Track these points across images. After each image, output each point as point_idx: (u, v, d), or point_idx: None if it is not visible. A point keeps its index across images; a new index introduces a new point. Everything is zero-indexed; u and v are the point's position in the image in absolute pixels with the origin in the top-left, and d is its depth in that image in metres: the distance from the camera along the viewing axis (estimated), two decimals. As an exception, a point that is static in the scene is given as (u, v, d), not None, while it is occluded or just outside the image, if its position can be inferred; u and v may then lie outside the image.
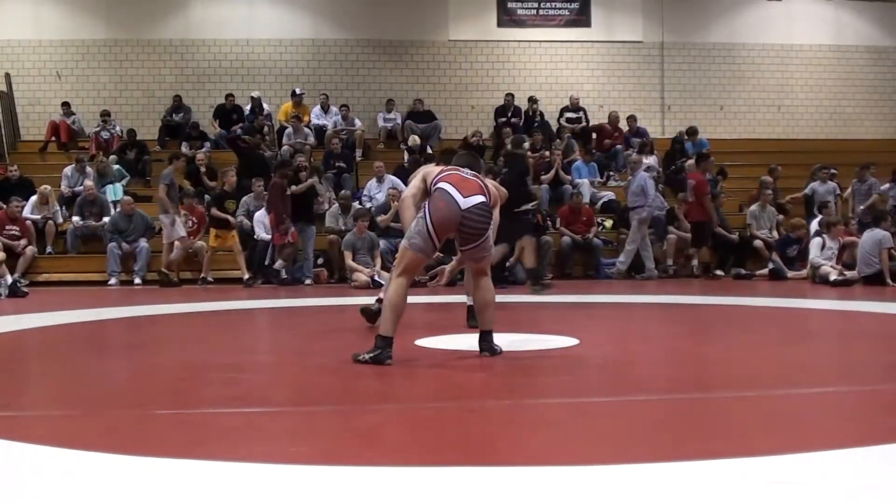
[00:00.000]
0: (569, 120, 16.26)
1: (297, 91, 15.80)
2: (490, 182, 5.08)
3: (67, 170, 13.92)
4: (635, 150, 15.04)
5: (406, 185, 6.37)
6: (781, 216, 13.47)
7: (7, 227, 12.18)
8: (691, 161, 14.28)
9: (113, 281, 12.16)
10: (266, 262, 12.02)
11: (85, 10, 16.44)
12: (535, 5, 17.13)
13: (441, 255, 6.25)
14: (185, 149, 15.01)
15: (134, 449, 2.91)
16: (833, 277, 11.06)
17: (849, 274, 11.13)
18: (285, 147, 14.80)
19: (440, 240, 4.79)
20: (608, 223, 13.76)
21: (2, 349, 5.89)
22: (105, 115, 15.52)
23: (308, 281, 11.91)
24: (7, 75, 16.00)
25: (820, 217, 12.51)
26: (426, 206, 4.80)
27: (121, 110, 16.25)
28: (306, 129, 15.26)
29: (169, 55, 16.56)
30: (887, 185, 13.60)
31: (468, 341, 5.21)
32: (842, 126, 17.80)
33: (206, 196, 13.31)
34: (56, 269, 12.49)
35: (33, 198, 12.97)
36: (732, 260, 12.77)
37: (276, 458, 2.77)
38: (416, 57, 17.00)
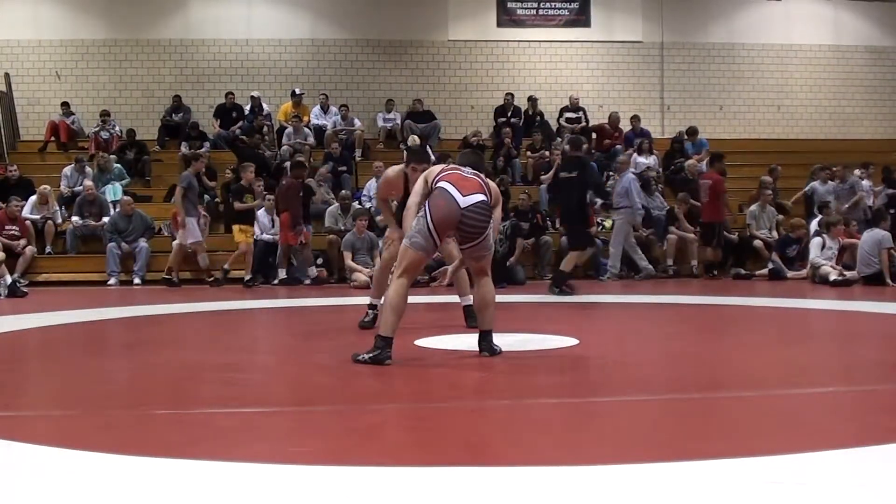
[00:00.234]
0: (568, 120, 16.25)
1: (297, 91, 15.81)
2: (491, 183, 5.09)
3: (67, 170, 13.92)
4: (634, 149, 15.04)
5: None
6: (781, 216, 13.47)
7: (6, 227, 12.18)
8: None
9: (112, 281, 12.16)
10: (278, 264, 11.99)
11: (84, 10, 16.43)
12: (535, 5, 17.13)
13: (440, 255, 6.26)
14: (184, 149, 15.02)
15: (133, 449, 2.91)
16: (833, 277, 11.06)
17: (848, 274, 11.13)
18: (285, 147, 14.81)
19: (441, 238, 4.83)
20: (608, 223, 13.75)
21: (1, 349, 5.89)
22: (104, 115, 15.51)
23: (307, 281, 11.91)
24: (6, 75, 16.00)
25: (820, 217, 12.51)
26: (426, 204, 4.83)
27: (120, 110, 16.25)
28: (306, 130, 15.26)
29: (168, 55, 16.56)
30: (881, 188, 13.64)
31: (468, 341, 5.21)
32: (841, 126, 17.80)
33: (205, 196, 13.31)
34: (55, 269, 12.49)
35: (33, 198, 12.97)
36: (732, 260, 12.77)
37: (275, 458, 2.77)
38: (416, 57, 16.99)
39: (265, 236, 12.14)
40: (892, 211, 12.71)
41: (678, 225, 12.94)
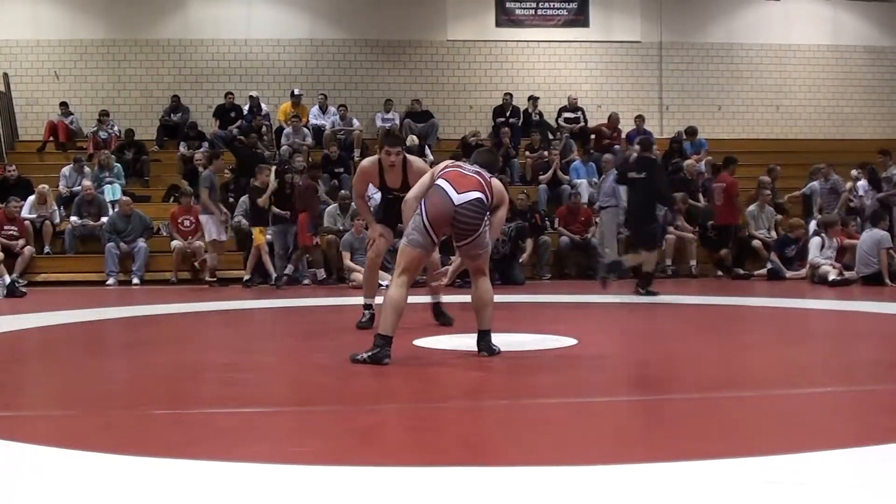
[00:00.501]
0: (567, 120, 16.26)
1: (296, 92, 15.80)
2: (497, 183, 5.08)
3: (65, 170, 13.92)
4: (633, 147, 15.02)
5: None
6: (780, 216, 13.47)
7: (5, 227, 12.18)
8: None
9: (111, 281, 12.16)
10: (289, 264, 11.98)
11: (83, 10, 16.42)
12: (533, 5, 17.13)
13: (440, 255, 6.27)
14: (182, 149, 15.02)
15: (132, 449, 2.91)
16: (832, 277, 11.07)
17: (847, 274, 11.14)
18: (284, 147, 14.81)
19: (437, 235, 4.86)
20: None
21: (0, 349, 5.89)
22: (103, 114, 15.52)
23: (306, 281, 11.91)
24: (5, 75, 15.99)
25: (818, 217, 12.52)
26: (423, 202, 4.85)
27: (119, 110, 16.24)
28: (304, 130, 15.26)
29: (167, 55, 16.55)
30: (862, 183, 13.56)
31: (467, 341, 5.21)
32: (840, 126, 17.81)
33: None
34: (54, 269, 12.49)
35: (31, 198, 12.97)
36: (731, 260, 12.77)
37: (275, 458, 2.77)
38: (415, 57, 16.99)
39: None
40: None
41: (676, 225, 12.93)
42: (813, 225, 12.48)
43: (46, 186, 13.14)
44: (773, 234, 12.99)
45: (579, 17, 17.17)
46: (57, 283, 12.16)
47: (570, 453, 2.88)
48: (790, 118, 17.74)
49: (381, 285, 6.93)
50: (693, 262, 12.70)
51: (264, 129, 15.28)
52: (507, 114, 16.09)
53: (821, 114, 17.81)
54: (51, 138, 15.73)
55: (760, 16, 17.57)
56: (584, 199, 13.59)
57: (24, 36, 16.23)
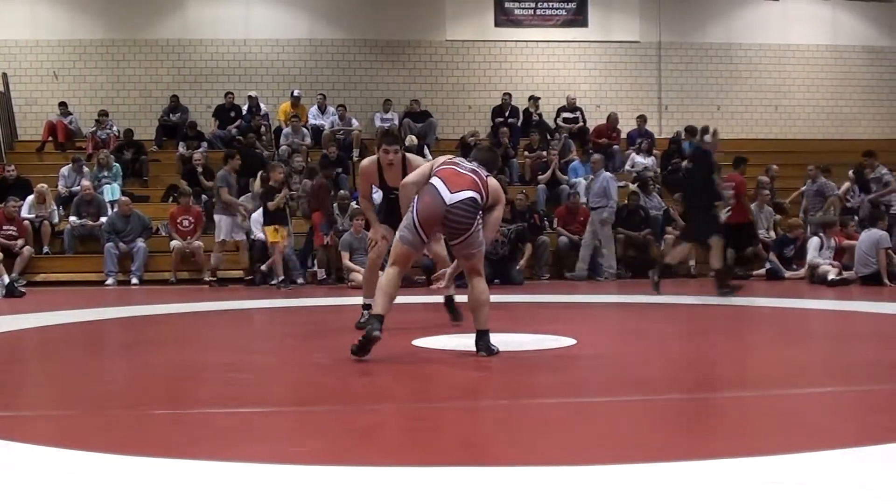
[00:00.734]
0: (566, 120, 16.27)
1: (296, 93, 15.80)
2: (494, 182, 5.07)
3: (64, 170, 13.92)
4: (635, 148, 15.04)
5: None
6: (779, 216, 13.47)
7: (4, 227, 12.18)
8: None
9: (110, 281, 12.16)
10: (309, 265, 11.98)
11: (82, 10, 16.42)
12: (532, 5, 17.13)
13: (431, 256, 6.25)
14: (181, 149, 15.02)
15: (132, 449, 2.91)
16: (831, 277, 11.07)
17: (846, 274, 11.14)
18: (283, 147, 14.81)
19: (427, 234, 4.87)
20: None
21: (0, 349, 5.89)
22: (102, 114, 15.52)
23: (300, 280, 11.90)
24: (4, 75, 15.99)
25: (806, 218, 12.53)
26: (415, 200, 4.84)
27: (118, 110, 16.25)
28: (303, 130, 15.26)
29: (166, 55, 16.56)
30: (846, 186, 13.54)
31: (465, 341, 5.21)
32: (839, 126, 17.83)
33: (203, 196, 13.31)
34: (53, 269, 12.49)
35: (30, 197, 12.97)
36: (733, 260, 12.76)
37: (275, 458, 2.76)
38: (414, 57, 17.00)
39: (262, 236, 12.10)
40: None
41: (675, 225, 12.93)
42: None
43: (45, 186, 13.14)
44: (772, 234, 12.99)
45: (578, 17, 17.18)
46: (56, 283, 12.16)
47: (569, 453, 2.88)
48: (789, 118, 17.75)
49: None
50: (692, 262, 12.70)
51: (263, 129, 15.29)
52: (506, 114, 16.09)
53: (819, 114, 17.82)
54: (50, 138, 15.73)
55: (759, 16, 17.58)
56: (583, 198, 13.58)
57: (22, 36, 16.24)
